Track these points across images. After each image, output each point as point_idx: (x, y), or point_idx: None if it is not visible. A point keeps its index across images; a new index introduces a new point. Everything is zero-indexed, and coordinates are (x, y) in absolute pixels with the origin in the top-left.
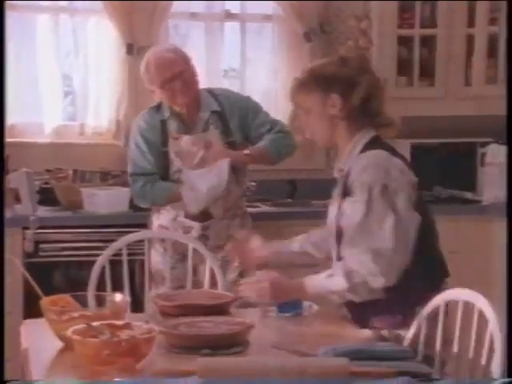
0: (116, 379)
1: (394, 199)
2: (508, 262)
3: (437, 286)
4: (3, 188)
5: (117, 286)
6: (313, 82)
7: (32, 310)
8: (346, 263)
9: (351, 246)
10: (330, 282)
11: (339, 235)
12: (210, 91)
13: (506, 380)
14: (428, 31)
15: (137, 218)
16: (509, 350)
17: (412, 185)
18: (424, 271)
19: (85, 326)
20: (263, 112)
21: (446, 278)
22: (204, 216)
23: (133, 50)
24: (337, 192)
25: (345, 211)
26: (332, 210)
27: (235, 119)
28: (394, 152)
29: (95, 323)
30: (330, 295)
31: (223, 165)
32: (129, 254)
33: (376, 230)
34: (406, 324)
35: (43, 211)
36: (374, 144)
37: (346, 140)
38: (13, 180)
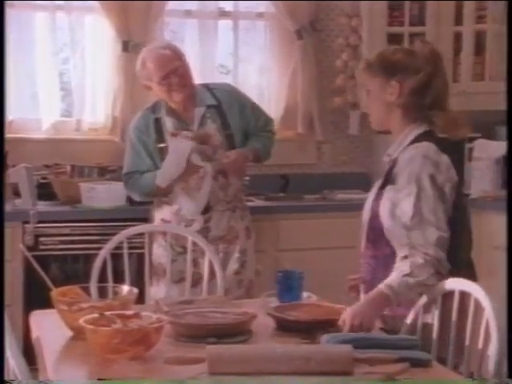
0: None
1: (442, 190)
2: (508, 259)
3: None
4: (3, 187)
5: (116, 279)
6: (378, 66)
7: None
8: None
9: (406, 235)
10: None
11: (373, 221)
12: (206, 86)
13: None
14: (417, 29)
15: (134, 212)
16: (509, 351)
17: (453, 184)
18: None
19: (97, 315)
20: (260, 107)
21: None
22: (205, 208)
23: (128, 46)
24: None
25: (385, 199)
26: (369, 198)
27: (234, 112)
28: (443, 148)
29: (107, 313)
30: (408, 285)
31: (185, 149)
32: (127, 248)
33: (429, 219)
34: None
35: (42, 206)
36: (425, 137)
37: (400, 129)
38: (12, 175)
